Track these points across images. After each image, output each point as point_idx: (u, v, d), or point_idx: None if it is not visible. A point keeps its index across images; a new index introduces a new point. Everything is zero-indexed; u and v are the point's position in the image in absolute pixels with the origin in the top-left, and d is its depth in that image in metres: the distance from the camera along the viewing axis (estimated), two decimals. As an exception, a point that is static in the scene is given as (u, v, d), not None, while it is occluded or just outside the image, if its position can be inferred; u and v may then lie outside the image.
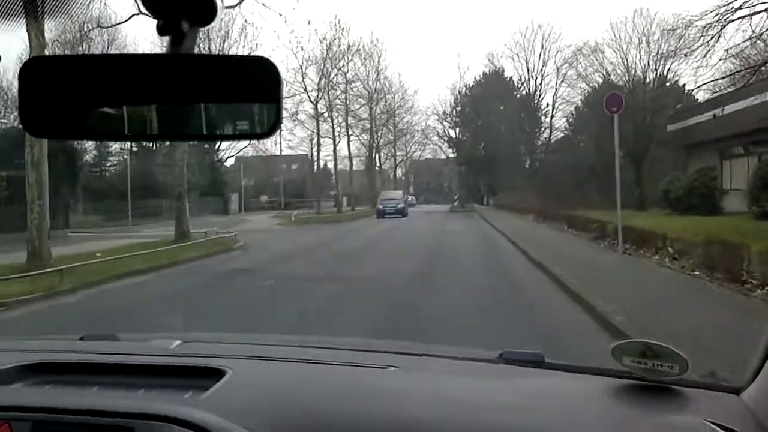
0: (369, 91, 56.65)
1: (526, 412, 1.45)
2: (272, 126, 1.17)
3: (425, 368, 1.86)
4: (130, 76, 1.15)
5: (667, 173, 36.01)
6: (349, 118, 54.67)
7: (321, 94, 49.08)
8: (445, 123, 64.63)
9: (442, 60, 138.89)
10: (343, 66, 51.32)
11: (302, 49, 64.25)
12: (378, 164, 67.01)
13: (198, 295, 11.80)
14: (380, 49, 75.85)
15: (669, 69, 41.19)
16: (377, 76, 57.52)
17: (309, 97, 48.03)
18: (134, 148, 44.16)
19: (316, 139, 50.69)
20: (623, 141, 45.26)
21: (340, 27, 61.40)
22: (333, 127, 52.37)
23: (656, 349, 1.49)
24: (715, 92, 19.12)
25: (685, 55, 17.59)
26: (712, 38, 17.28)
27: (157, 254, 16.94)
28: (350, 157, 58.59)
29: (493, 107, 61.15)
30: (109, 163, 49.08)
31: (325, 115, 51.06)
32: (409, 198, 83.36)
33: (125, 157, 48.40)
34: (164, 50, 1.15)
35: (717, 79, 19.12)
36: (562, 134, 59.98)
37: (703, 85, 19.16)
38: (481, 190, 69.22)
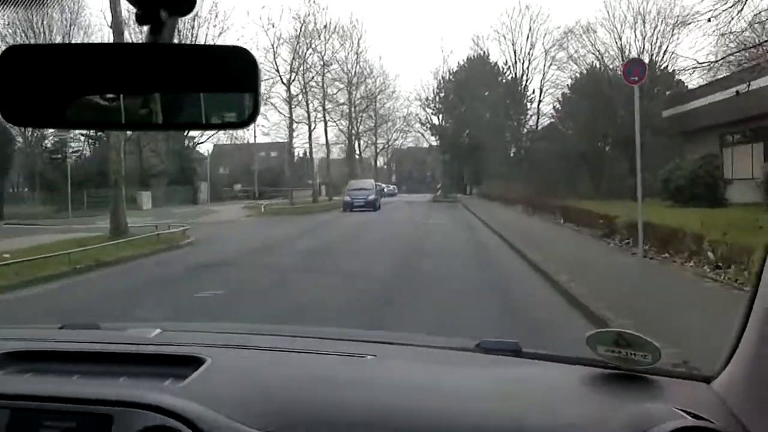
0: (348, 75, 53.43)
1: (503, 400, 1.46)
2: (250, 115, 1.17)
3: (403, 357, 1.84)
4: (110, 65, 1.14)
5: (662, 162, 33.79)
6: (327, 103, 51.40)
7: (294, 75, 45.62)
8: (427, 110, 61.63)
9: (425, 43, 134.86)
10: (319, 46, 47.92)
11: (273, 26, 60.39)
12: (358, 152, 63.70)
13: (94, 313, 8.75)
14: (360, 31, 71.98)
15: (666, 50, 38.25)
16: (356, 59, 54.27)
17: (282, 78, 44.60)
18: (94, 133, 40.84)
19: (288, 123, 46.97)
20: (615, 127, 42.99)
21: (315, 3, 57.24)
22: (308, 112, 48.94)
23: (629, 338, 1.50)
24: (741, 64, 16.22)
25: (708, 20, 14.73)
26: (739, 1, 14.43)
27: (81, 254, 13.88)
28: (327, 144, 55.28)
29: (477, 93, 58.45)
30: (71, 150, 45.51)
31: (300, 98, 47.57)
32: (391, 187, 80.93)
33: (90, 143, 45.18)
34: (142, 39, 1.15)
35: (738, 51, 16.24)
36: (549, 120, 57.31)
37: (725, 57, 16.19)
38: (465, 179, 66.41)
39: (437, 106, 61.21)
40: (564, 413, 1.40)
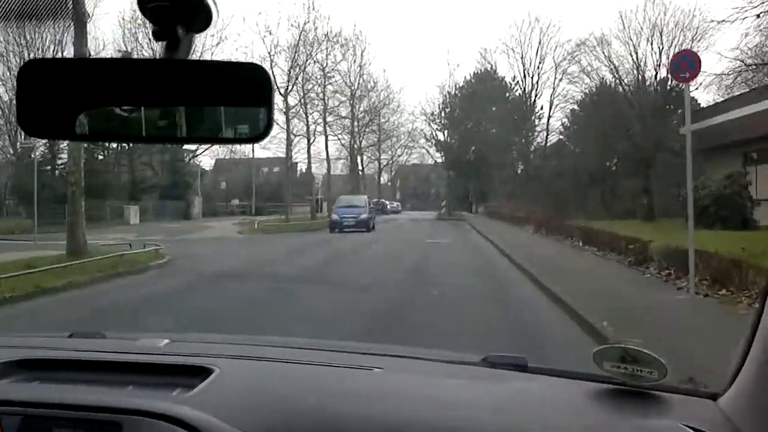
0: (350, 87, 51.30)
1: (507, 414, 1.46)
2: (264, 130, 1.19)
3: (409, 370, 1.84)
4: (126, 79, 1.17)
5: (679, 181, 31.56)
6: (328, 116, 49.14)
7: (292, 86, 43.20)
8: (432, 125, 59.45)
9: (431, 56, 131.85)
10: (319, 55, 45.46)
11: (270, 33, 57.90)
12: (361, 167, 61.41)
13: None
14: (363, 42, 68.89)
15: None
16: (360, 71, 52.09)
17: (278, 88, 42.18)
18: (86, 146, 38.94)
19: (286, 136, 44.23)
20: (627, 144, 40.83)
21: (315, 11, 54.42)
22: (308, 124, 46.59)
23: (635, 354, 1.50)
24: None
25: (758, 16, 12.54)
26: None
27: (19, 280, 11.59)
28: (328, 159, 52.92)
29: (483, 108, 56.56)
30: (59, 162, 43.41)
31: (299, 110, 45.03)
32: (395, 204, 78.95)
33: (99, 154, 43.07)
34: (159, 55, 1.17)
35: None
36: (559, 137, 55.33)
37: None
38: (471, 196, 64.13)
39: (442, 122, 59.09)
40: (567, 428, 1.39)
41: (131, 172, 42.19)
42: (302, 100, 44.32)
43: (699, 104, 37.62)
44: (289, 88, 42.65)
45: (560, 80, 52.11)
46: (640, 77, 37.10)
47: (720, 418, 1.38)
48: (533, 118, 55.61)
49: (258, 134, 1.18)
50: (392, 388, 1.62)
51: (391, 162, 72.73)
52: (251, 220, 40.99)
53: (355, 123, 53.55)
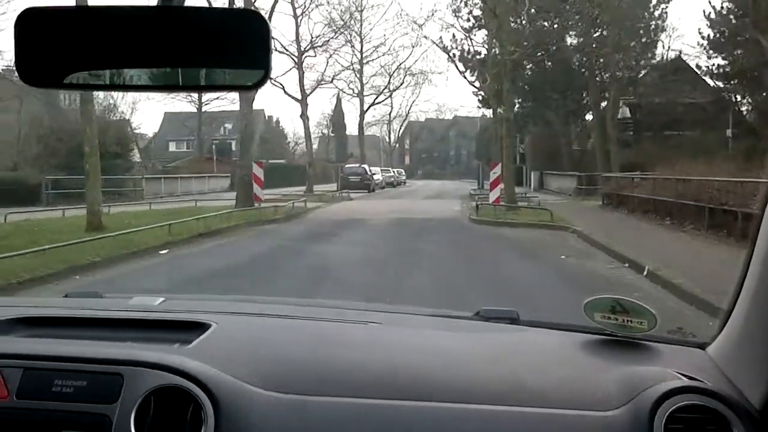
0: None
1: (499, 363, 1.44)
2: (261, 78, 1.16)
3: (405, 324, 1.85)
4: (123, 27, 1.14)
5: None
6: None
7: None
8: (457, 23, 28.94)
9: None
10: None
11: None
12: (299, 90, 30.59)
13: None
14: None
15: None
16: None
17: None
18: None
19: None
20: None
21: None
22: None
23: (625, 304, 1.47)
24: None
25: None
26: None
27: None
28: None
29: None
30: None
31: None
32: (393, 172, 50.95)
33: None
34: (156, 2, 1.15)
35: None
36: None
37: None
38: (526, 159, 34.16)
39: (472, 15, 28.53)
40: (557, 374, 1.38)
41: None
42: None
43: None
44: None
45: None
46: None
47: (709, 366, 1.37)
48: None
49: (257, 81, 1.14)
50: (388, 340, 1.59)
51: (387, 96, 43.49)
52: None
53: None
